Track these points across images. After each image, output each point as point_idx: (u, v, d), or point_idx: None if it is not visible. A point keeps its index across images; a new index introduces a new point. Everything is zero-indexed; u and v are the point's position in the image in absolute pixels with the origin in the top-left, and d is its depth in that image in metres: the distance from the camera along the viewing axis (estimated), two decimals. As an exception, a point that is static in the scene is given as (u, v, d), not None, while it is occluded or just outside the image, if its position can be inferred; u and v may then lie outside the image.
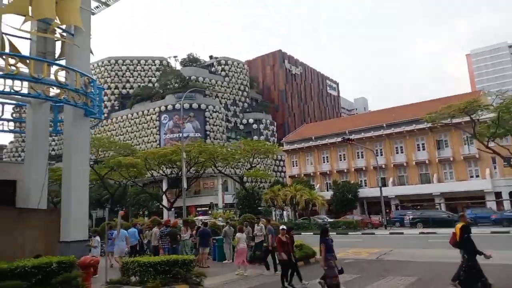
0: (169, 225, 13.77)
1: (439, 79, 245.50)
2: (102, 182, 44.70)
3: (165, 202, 62.41)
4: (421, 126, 44.43)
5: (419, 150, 46.50)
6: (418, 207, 41.88)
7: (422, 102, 51.88)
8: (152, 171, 42.83)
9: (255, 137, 67.15)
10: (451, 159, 43.79)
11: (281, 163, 74.36)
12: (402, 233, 28.36)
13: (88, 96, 13.30)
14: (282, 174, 72.14)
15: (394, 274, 12.29)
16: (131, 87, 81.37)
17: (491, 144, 31.21)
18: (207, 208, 60.27)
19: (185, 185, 22.66)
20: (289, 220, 38.52)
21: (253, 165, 38.65)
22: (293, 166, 57.07)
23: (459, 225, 9.88)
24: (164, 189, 53.34)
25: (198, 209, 65.03)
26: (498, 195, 39.97)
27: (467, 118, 31.61)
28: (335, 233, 30.66)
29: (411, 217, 33.03)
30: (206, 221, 16.77)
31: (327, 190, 50.70)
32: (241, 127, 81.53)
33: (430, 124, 42.33)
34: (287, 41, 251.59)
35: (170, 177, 43.24)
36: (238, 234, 13.23)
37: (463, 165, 43.30)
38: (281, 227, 11.16)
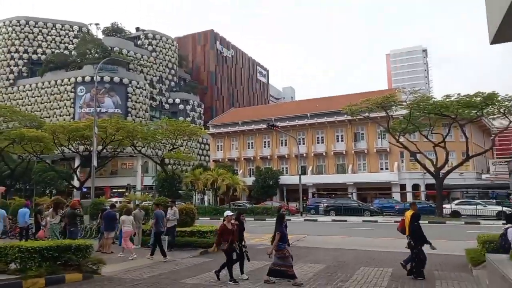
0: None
1: (362, 74, 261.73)
2: (1, 156, 39.74)
3: (76, 181, 58.02)
4: (341, 118, 46.46)
5: (338, 141, 48.75)
6: (333, 195, 44.07)
7: (344, 95, 54.31)
8: (63, 147, 39.02)
9: (181, 118, 64.99)
10: (366, 151, 46.64)
11: (206, 146, 73.32)
12: (316, 220, 29.42)
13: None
14: (207, 158, 71.22)
15: (304, 261, 12.30)
16: (44, 53, 73.35)
17: (401, 139, 33.66)
18: (124, 190, 57.17)
19: (94, 162, 20.68)
20: (209, 205, 38.03)
21: (175, 146, 37.03)
22: (218, 150, 56.43)
23: (409, 213, 9.85)
24: (75, 167, 49.22)
25: (114, 190, 61.54)
26: (403, 187, 43.61)
27: (383, 114, 33.65)
28: (252, 219, 30.91)
29: (325, 205, 34.50)
30: (113, 203, 15.35)
31: (250, 176, 51.04)
32: (167, 106, 78.47)
33: (350, 117, 44.57)
34: (221, 23, 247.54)
35: (83, 155, 39.75)
36: (123, 217, 12.45)
37: (375, 157, 46.39)
38: (225, 213, 9.81)
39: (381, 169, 46.09)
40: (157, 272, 10.27)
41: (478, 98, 27.32)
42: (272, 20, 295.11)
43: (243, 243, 9.63)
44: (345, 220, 28.01)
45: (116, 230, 13.19)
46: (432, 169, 31.28)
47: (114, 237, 15.30)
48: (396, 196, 41.75)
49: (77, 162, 51.24)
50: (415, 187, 43.19)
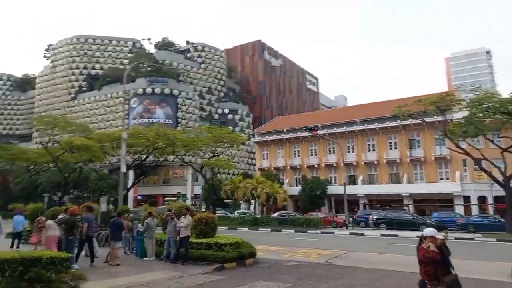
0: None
1: (419, 80, 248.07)
2: (55, 164, 41.44)
3: (131, 189, 59.50)
4: (394, 123, 43.04)
5: (391, 148, 45.12)
6: (387, 207, 40.55)
7: (397, 99, 50.49)
8: (110, 156, 39.87)
9: (230, 128, 64.85)
10: (422, 159, 42.56)
11: (253, 155, 72.33)
12: (362, 234, 26.61)
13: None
14: (253, 166, 70.19)
15: (333, 284, 10.25)
16: (101, 68, 77.48)
17: (463, 145, 29.86)
18: (175, 198, 57.81)
19: (123, 169, 20.12)
20: (249, 215, 36.55)
21: (215, 154, 36.13)
22: (264, 158, 55.01)
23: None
24: (131, 176, 50.21)
25: (166, 199, 62.47)
26: (466, 199, 38.97)
27: (440, 118, 30.11)
28: (293, 230, 28.90)
29: (374, 217, 31.40)
30: (121, 210, 14.39)
31: (297, 185, 48.90)
32: (216, 116, 78.87)
33: (403, 122, 41.02)
34: (269, 32, 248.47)
35: (130, 165, 40.12)
36: (49, 221, 11.15)
37: (433, 166, 42.15)
38: (426, 231, 6.57)
39: (441, 178, 41.68)
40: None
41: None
42: (325, 27, 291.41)
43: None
44: (396, 235, 24.97)
45: (122, 239, 12.06)
46: (500, 178, 27.15)
47: (128, 247, 14.31)
48: (459, 209, 37.30)
49: (132, 171, 52.46)
50: (481, 199, 38.31)
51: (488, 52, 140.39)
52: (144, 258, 13.09)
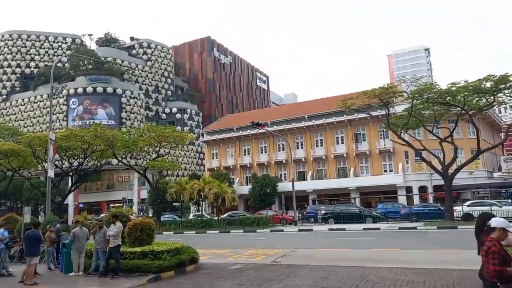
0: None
1: (363, 77, 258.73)
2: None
3: (71, 197, 55.63)
4: (341, 118, 43.81)
5: (338, 143, 45.94)
6: (335, 201, 41.16)
7: (344, 94, 51.61)
8: (46, 161, 36.71)
9: (179, 128, 62.82)
10: (368, 152, 43.75)
11: (203, 155, 70.83)
12: (311, 230, 26.53)
13: None
14: (203, 167, 68.70)
15: (276, 286, 9.61)
16: (36, 66, 71.89)
17: (405, 137, 30.80)
18: (121, 204, 54.94)
19: (50, 174, 18.29)
20: (194, 217, 35.41)
21: (161, 154, 34.45)
22: (213, 158, 53.89)
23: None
24: (71, 182, 46.82)
25: (110, 205, 59.29)
26: (409, 189, 40.57)
27: (384, 112, 30.85)
28: (242, 231, 28.25)
29: (322, 212, 31.56)
30: (38, 221, 12.88)
31: (247, 184, 48.37)
32: (164, 116, 76.20)
33: (349, 117, 41.81)
34: (218, 29, 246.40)
35: (66, 171, 37.10)
36: None
37: (378, 159, 43.47)
38: (494, 222, 5.42)
39: (385, 171, 43.12)
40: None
41: (489, 83, 24.35)
42: (271, 23, 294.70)
43: None
44: (344, 229, 25.13)
45: (39, 254, 10.63)
46: (439, 167, 28.31)
47: (52, 262, 12.81)
48: (402, 200, 38.72)
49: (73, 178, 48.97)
50: (422, 189, 40.08)
51: (427, 49, 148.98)
52: (69, 274, 11.70)
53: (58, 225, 14.42)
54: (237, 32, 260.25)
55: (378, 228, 24.78)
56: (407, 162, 41.78)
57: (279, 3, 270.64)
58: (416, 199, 39.03)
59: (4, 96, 70.69)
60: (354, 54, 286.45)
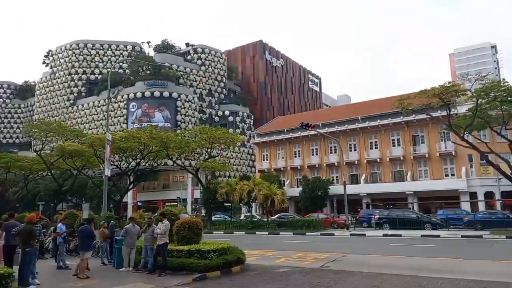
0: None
1: (424, 78, 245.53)
2: (49, 171, 40.68)
3: (130, 195, 58.56)
4: (397, 119, 41.81)
5: (394, 146, 43.83)
6: (390, 206, 39.25)
7: (401, 95, 49.27)
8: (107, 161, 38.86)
9: (231, 130, 63.82)
10: (427, 156, 41.24)
11: (254, 157, 71.21)
12: (364, 235, 25.39)
13: None
14: (254, 169, 69.02)
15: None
16: (100, 73, 76.78)
17: (469, 139, 28.53)
18: (176, 203, 56.92)
19: (107, 172, 19.17)
20: (244, 218, 35.48)
21: (212, 155, 35.06)
22: (264, 160, 53.91)
23: None
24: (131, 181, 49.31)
25: (166, 204, 61.62)
26: (473, 195, 37.60)
27: (445, 111, 28.82)
28: (291, 233, 27.77)
29: (377, 217, 30.09)
30: (92, 217, 13.43)
31: (298, 186, 47.75)
32: (216, 119, 77.75)
33: (406, 118, 39.78)
34: (270, 32, 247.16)
35: (124, 170, 38.99)
36: None
37: (438, 162, 40.81)
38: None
39: (446, 175, 40.32)
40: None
41: None
42: (326, 28, 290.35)
43: None
44: (399, 235, 23.74)
45: (92, 249, 11.05)
46: (508, 172, 25.81)
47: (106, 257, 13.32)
48: (465, 206, 35.91)
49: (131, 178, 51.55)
50: (488, 195, 36.91)
51: (493, 47, 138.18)
52: (120, 269, 12.07)
53: (112, 221, 14.98)
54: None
55: (438, 236, 23.10)
56: (471, 166, 38.75)
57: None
58: (481, 206, 36.03)
59: (71, 101, 76.31)
60: (412, 54, 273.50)
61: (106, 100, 69.44)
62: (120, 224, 15.98)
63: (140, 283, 10.08)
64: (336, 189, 42.79)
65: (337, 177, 46.56)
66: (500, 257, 14.65)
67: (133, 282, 10.29)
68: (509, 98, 24.06)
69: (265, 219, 34.03)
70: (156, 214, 15.64)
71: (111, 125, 68.81)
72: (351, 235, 25.93)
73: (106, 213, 17.32)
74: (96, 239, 14.67)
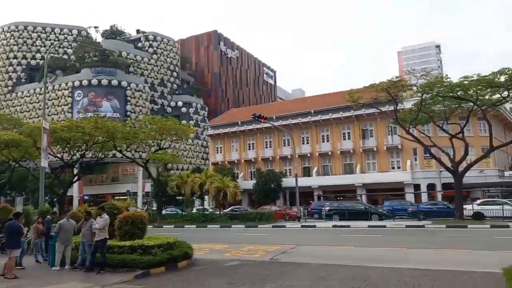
0: None
1: (374, 74, 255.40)
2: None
3: (76, 189, 55.42)
4: (348, 113, 42.85)
5: (344, 139, 44.97)
6: (340, 198, 40.31)
7: (352, 89, 50.48)
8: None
9: (184, 122, 62.26)
10: (375, 149, 42.77)
11: (207, 149, 70.26)
12: (314, 226, 25.77)
13: None
14: (208, 161, 68.14)
15: (270, 286, 8.86)
16: (42, 58, 71.43)
17: (414, 133, 29.79)
18: (126, 197, 54.72)
19: (44, 164, 17.73)
20: (196, 212, 34.81)
21: (162, 147, 33.81)
22: (217, 152, 53.25)
23: None
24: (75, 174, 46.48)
25: (115, 198, 59.15)
26: (417, 187, 39.56)
27: (392, 106, 29.83)
28: (243, 226, 27.59)
29: (327, 208, 30.73)
30: (18, 211, 12.28)
31: (251, 179, 47.69)
32: (169, 109, 75.58)
33: (356, 112, 40.83)
34: (225, 23, 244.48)
35: (67, 163, 36.63)
36: None
37: (385, 155, 42.47)
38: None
39: (393, 168, 42.10)
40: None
41: (503, 77, 23.26)
42: (279, 19, 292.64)
43: None
44: (348, 226, 24.32)
45: (21, 247, 10.00)
46: (449, 165, 27.28)
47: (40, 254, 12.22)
48: (410, 197, 37.72)
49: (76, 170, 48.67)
50: (431, 186, 39.04)
51: (437, 46, 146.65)
52: (53, 268, 11.07)
53: (48, 216, 13.79)
54: (237, 32, 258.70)
55: (384, 226, 23.94)
56: (416, 159, 40.72)
57: (279, 3, 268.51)
58: (424, 197, 38.02)
59: (10, 88, 70.67)
60: (364, 53, 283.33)
61: (49, 88, 65.67)
62: (58, 219, 14.78)
63: (76, 282, 9.23)
64: (289, 181, 43.15)
65: (290, 169, 47.01)
66: (441, 246, 15.31)
67: (68, 282, 9.42)
68: (450, 94, 25.34)
69: (218, 212, 33.57)
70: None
71: (55, 114, 64.61)
72: (302, 226, 26.19)
73: (42, 207, 15.94)
74: (29, 235, 13.48)
